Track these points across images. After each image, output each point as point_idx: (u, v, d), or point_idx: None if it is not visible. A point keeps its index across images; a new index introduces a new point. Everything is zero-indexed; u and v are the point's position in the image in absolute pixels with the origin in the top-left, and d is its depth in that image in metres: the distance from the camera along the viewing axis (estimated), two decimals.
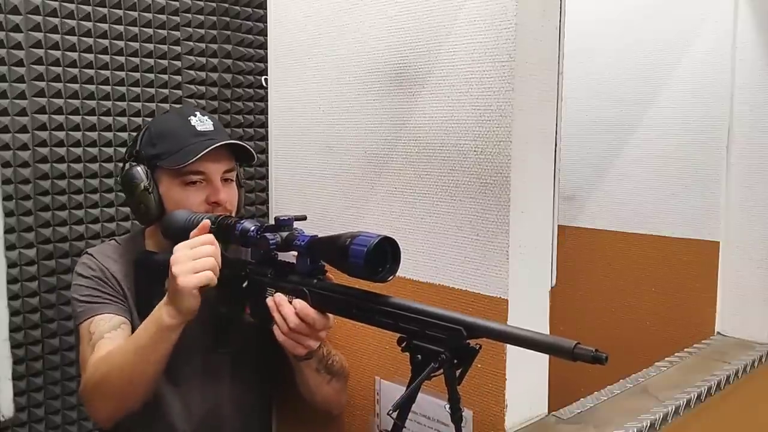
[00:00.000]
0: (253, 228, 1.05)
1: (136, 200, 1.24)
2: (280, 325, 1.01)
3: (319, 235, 0.99)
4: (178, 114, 1.31)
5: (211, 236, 1.07)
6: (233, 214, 1.27)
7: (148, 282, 1.24)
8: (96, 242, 1.61)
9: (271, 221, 1.53)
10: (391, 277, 0.90)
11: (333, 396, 1.27)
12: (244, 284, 1.08)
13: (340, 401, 1.31)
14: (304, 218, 1.05)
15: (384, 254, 0.89)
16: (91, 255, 1.30)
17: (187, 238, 1.12)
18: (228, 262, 1.10)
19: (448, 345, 0.81)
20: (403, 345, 0.86)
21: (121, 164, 1.34)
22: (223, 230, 1.08)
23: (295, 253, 1.02)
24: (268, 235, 1.01)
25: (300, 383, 1.24)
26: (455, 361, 0.82)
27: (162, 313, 1.08)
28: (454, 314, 0.84)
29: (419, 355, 0.83)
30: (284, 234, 1.02)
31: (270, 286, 1.03)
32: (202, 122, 1.26)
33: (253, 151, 1.27)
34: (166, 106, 1.72)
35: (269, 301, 1.03)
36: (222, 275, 1.08)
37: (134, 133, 1.65)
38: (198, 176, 1.23)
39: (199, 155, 1.20)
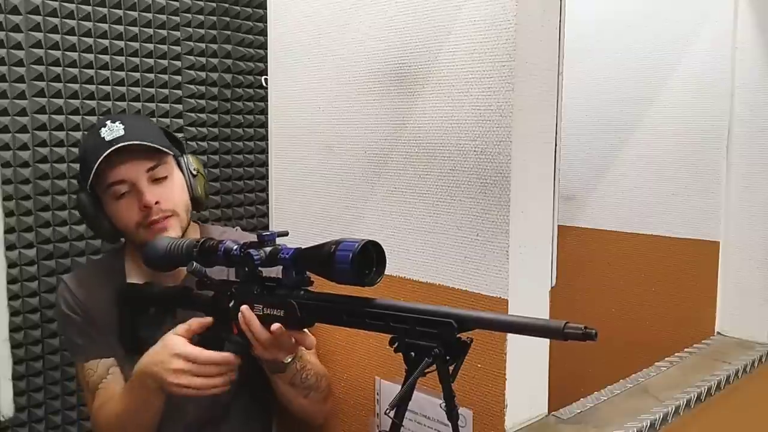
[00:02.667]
0: (236, 247, 1.04)
1: (90, 225, 1.27)
2: (252, 342, 1.02)
3: (302, 247, 0.99)
4: (93, 129, 1.26)
5: (221, 357, 1.07)
6: (180, 211, 1.24)
7: (130, 314, 1.25)
8: (96, 242, 1.61)
9: (271, 221, 1.54)
10: (378, 280, 0.90)
11: (309, 408, 1.27)
12: (231, 304, 1.07)
13: (319, 411, 1.30)
14: (285, 234, 1.06)
15: (369, 258, 0.89)
16: (67, 286, 1.29)
17: (168, 264, 1.13)
18: (213, 284, 1.11)
19: (441, 339, 0.82)
20: (396, 345, 0.86)
21: None
22: (206, 252, 1.07)
23: (280, 267, 1.02)
24: (252, 251, 1.01)
25: (276, 393, 1.24)
26: (448, 357, 0.82)
27: (150, 383, 1.11)
28: (443, 308, 0.84)
29: (412, 353, 0.83)
30: (268, 249, 1.01)
31: (257, 302, 1.02)
32: (111, 130, 1.20)
33: (159, 146, 1.21)
34: (167, 106, 1.72)
35: (240, 318, 1.02)
36: (207, 298, 1.11)
37: None
38: (122, 186, 1.20)
39: (96, 164, 1.16)
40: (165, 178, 1.23)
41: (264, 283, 1.04)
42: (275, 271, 1.05)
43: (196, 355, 1.07)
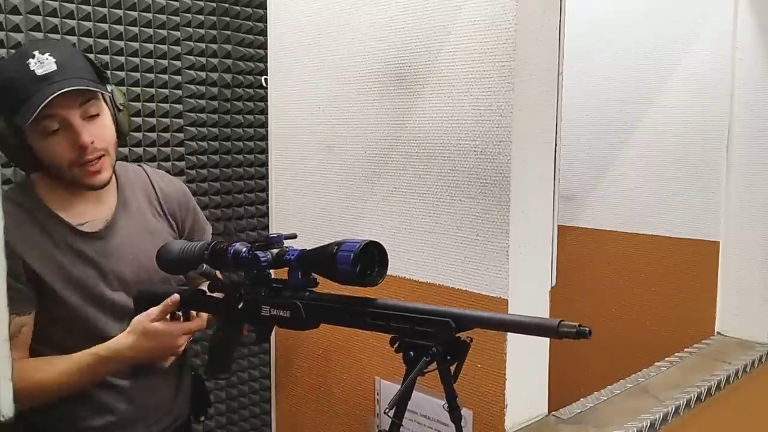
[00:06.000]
0: (244, 249, 1.05)
1: (10, 156, 1.22)
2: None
3: (307, 248, 0.99)
4: (17, 59, 1.15)
5: (187, 326, 1.20)
6: (111, 150, 1.21)
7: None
8: None
9: (271, 221, 1.54)
10: (380, 280, 0.91)
11: None
12: (240, 306, 1.09)
13: None
14: (294, 237, 1.06)
15: (371, 258, 0.90)
16: None
17: (181, 268, 1.17)
18: (222, 286, 1.12)
19: (439, 338, 0.83)
20: (396, 345, 0.87)
21: None
22: (216, 254, 1.09)
23: None
24: (260, 253, 1.03)
25: None
26: (448, 356, 0.84)
27: (127, 355, 1.17)
28: (441, 308, 0.86)
29: (411, 352, 0.85)
30: (275, 251, 1.03)
31: (264, 303, 1.04)
32: (42, 64, 1.12)
33: (99, 88, 1.16)
34: (166, 106, 1.72)
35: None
36: (218, 300, 1.15)
37: (134, 134, 1.65)
38: (54, 122, 1.13)
39: (39, 109, 1.09)
40: (97, 115, 1.18)
41: (271, 284, 1.05)
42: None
43: (197, 327, 1.21)
